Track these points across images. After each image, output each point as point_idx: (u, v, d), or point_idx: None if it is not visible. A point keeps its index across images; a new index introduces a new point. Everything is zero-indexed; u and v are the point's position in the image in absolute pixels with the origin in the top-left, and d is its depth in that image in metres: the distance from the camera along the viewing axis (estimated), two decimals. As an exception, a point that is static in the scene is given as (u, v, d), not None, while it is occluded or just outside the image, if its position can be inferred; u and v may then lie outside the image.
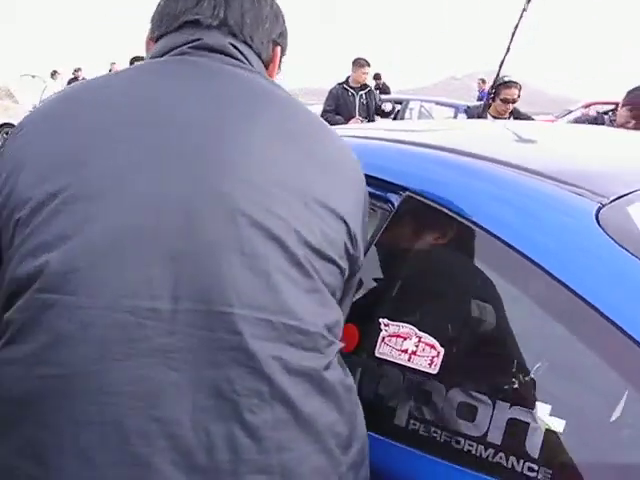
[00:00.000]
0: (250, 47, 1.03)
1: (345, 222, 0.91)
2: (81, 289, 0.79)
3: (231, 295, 0.80)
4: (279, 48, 1.10)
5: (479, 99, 16.49)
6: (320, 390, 0.85)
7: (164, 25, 1.04)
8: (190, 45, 0.98)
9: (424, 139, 1.43)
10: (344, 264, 0.91)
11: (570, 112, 15.10)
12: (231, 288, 0.80)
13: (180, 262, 0.80)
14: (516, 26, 4.32)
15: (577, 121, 12.38)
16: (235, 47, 1.00)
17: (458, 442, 0.98)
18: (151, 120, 0.89)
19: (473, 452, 0.96)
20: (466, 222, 1.09)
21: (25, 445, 0.79)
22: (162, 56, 1.00)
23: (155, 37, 1.06)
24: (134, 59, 7.30)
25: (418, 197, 1.16)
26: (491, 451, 0.95)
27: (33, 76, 13.07)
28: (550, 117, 13.75)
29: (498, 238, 1.05)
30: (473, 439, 0.97)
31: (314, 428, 0.83)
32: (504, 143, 1.51)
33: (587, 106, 15.06)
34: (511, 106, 5.15)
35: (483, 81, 17.88)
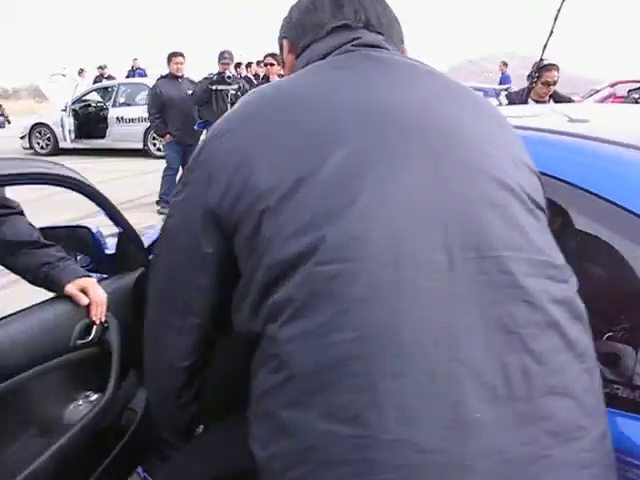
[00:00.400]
0: (392, 44, 1.12)
1: (537, 176, 1.02)
2: (363, 255, 0.84)
3: (494, 240, 0.88)
4: (405, 48, 1.20)
5: (501, 82, 16.44)
6: (576, 316, 0.92)
7: (309, 35, 1.13)
8: (353, 43, 1.07)
9: (552, 126, 1.52)
10: (547, 213, 1.01)
11: (596, 92, 15.03)
12: (493, 234, 0.88)
13: (445, 217, 0.88)
14: (559, 9, 4.38)
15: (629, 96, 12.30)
16: (386, 42, 1.10)
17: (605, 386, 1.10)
18: (365, 107, 0.96)
19: (620, 394, 1.09)
20: (602, 200, 1.19)
21: (335, 410, 0.81)
22: (324, 58, 1.07)
23: (300, 47, 1.15)
24: (172, 54, 7.45)
25: (558, 182, 1.26)
26: (638, 392, 1.08)
27: (63, 75, 13.26)
28: (577, 97, 13.66)
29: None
30: (619, 383, 1.10)
31: (578, 351, 0.90)
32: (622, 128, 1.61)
33: (613, 85, 14.98)
34: (552, 88, 5.21)
35: (505, 64, 17.79)
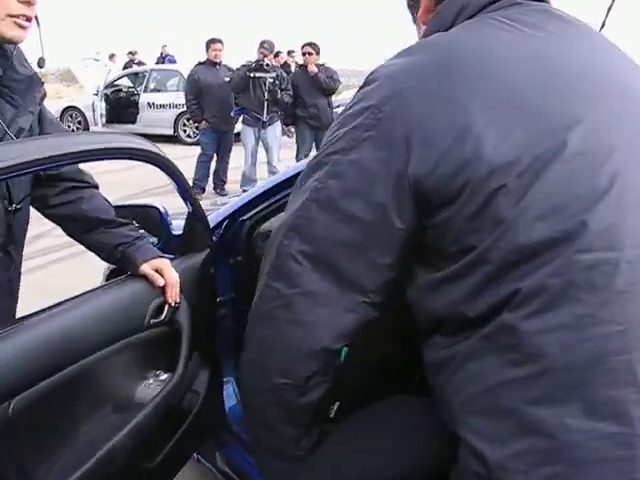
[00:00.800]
0: None
1: None
2: (621, 244, 0.80)
3: None
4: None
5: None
6: None
7: None
8: None
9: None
10: None
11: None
12: None
13: None
14: (613, 0, 4.27)
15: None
16: None
17: None
18: (582, 75, 0.88)
19: None
20: None
21: (596, 407, 0.79)
22: (482, 9, 0.95)
23: None
24: (210, 40, 7.45)
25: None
26: None
27: (96, 59, 13.36)
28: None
29: None
30: None
31: None
32: None
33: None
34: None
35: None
